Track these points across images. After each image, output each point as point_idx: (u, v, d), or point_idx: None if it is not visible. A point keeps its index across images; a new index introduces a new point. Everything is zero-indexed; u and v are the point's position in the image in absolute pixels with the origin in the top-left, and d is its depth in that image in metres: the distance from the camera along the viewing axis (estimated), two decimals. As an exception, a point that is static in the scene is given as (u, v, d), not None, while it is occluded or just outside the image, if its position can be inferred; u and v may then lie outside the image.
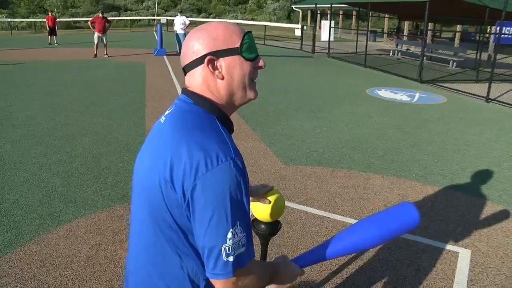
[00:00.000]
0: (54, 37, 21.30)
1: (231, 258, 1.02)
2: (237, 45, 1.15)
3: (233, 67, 1.14)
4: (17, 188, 4.31)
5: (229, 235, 1.01)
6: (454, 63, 14.88)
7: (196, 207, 1.01)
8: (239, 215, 1.03)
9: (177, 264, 1.12)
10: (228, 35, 1.15)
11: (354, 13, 24.93)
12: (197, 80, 1.16)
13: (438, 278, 2.98)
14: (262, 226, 1.73)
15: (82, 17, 37.60)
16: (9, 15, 39.57)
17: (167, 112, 1.20)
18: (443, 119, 7.52)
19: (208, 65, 1.13)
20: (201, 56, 1.14)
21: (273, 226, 1.74)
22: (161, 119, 1.21)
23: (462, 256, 3.27)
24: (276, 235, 3.13)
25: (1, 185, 4.39)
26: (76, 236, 3.43)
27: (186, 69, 1.18)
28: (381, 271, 3.04)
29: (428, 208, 4.06)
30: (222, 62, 1.14)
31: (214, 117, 1.14)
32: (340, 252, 1.39)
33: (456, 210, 4.01)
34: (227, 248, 1.01)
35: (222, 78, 1.15)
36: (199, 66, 1.15)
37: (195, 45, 1.14)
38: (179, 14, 16.95)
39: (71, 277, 2.91)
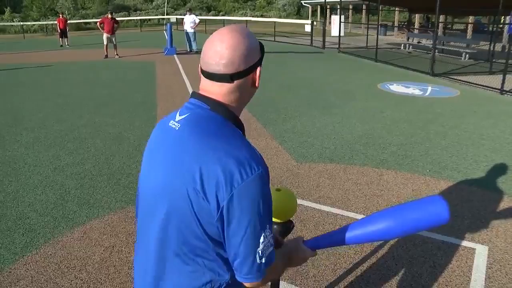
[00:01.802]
0: (65, 39, 21.48)
1: (263, 260, 1.07)
2: (260, 54, 1.18)
3: (260, 74, 1.18)
4: (32, 191, 4.36)
5: (262, 239, 1.06)
6: (467, 55, 14.68)
7: (232, 217, 1.03)
8: (269, 218, 1.09)
9: (195, 276, 1.12)
10: (256, 44, 1.17)
11: (364, 7, 24.72)
12: (229, 87, 1.13)
13: (455, 276, 2.94)
14: (275, 226, 1.72)
15: (92, 18, 37.94)
16: (22, 18, 40.04)
17: (179, 118, 1.16)
18: (457, 112, 7.41)
19: (255, 74, 1.16)
20: (255, 63, 1.15)
21: (286, 226, 1.73)
22: (172, 125, 1.16)
23: (479, 252, 3.21)
24: (289, 234, 3.09)
25: (17, 188, 4.44)
26: (90, 238, 3.46)
27: (235, 77, 1.12)
28: (396, 269, 3.01)
29: (443, 204, 4.01)
30: (258, 70, 1.17)
31: (232, 123, 1.14)
32: (358, 239, 1.35)
33: (471, 206, 3.95)
34: (260, 251, 1.06)
35: (256, 86, 1.19)
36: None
37: (246, 52, 1.12)
38: (188, 13, 16.98)
39: (86, 280, 2.93)
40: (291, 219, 1.77)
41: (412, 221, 1.29)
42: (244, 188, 1.02)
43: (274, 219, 1.71)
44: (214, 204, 1.03)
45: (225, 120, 1.13)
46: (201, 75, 1.18)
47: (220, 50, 1.10)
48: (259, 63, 1.17)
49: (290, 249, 1.38)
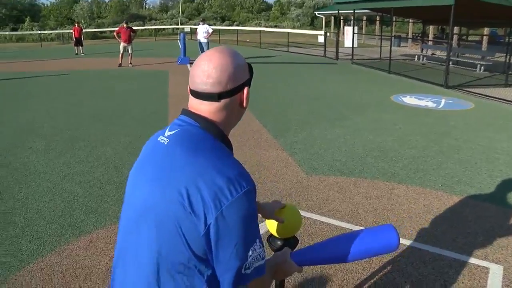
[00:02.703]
0: (81, 47, 21.81)
1: (249, 271, 1.08)
2: (248, 75, 1.22)
3: (248, 95, 1.21)
4: (40, 198, 4.37)
5: (250, 252, 1.06)
6: (482, 67, 14.51)
7: (221, 234, 1.03)
8: (257, 232, 1.10)
9: None
10: (244, 65, 1.20)
11: (378, 18, 24.67)
12: (216, 106, 1.16)
13: (467, 295, 2.85)
14: (278, 242, 1.68)
15: (107, 27, 38.48)
16: (40, 27, 40.86)
17: (168, 133, 1.18)
18: (471, 125, 7.30)
19: (243, 94, 1.18)
20: (242, 83, 1.17)
21: (290, 243, 1.68)
22: (161, 140, 1.17)
23: (493, 272, 3.11)
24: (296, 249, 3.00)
25: (26, 194, 4.46)
26: (96, 247, 3.44)
27: (222, 96, 1.14)
28: (405, 286, 2.92)
29: (455, 219, 3.91)
30: (246, 90, 1.20)
31: (221, 142, 1.16)
32: (328, 260, 1.48)
33: (485, 222, 3.85)
34: (247, 264, 1.06)
35: (244, 106, 1.21)
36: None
37: (233, 72, 1.15)
38: (201, 23, 17.09)
39: (89, 290, 2.90)
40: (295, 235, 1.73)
41: (367, 248, 1.42)
42: (233, 205, 1.02)
43: (277, 235, 1.67)
44: (202, 220, 1.02)
45: (214, 138, 1.15)
46: (190, 94, 1.20)
47: (207, 69, 1.14)
48: (247, 83, 1.20)
49: (278, 262, 1.37)
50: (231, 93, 1.15)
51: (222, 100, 1.15)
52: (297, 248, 1.62)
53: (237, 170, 1.07)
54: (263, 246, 1.11)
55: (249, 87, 1.20)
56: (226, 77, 1.13)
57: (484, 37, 19.81)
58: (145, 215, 1.11)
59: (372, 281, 2.99)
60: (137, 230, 1.13)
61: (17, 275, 3.08)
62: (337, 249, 1.44)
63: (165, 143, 1.15)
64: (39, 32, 34.67)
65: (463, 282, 2.98)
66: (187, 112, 1.20)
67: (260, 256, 1.09)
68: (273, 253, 1.60)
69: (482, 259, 3.27)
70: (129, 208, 1.19)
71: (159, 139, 1.19)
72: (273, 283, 1.65)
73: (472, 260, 3.25)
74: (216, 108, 1.15)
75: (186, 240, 1.04)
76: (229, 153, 1.16)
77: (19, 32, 37.63)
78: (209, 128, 1.15)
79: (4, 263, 3.22)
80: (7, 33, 36.78)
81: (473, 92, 10.47)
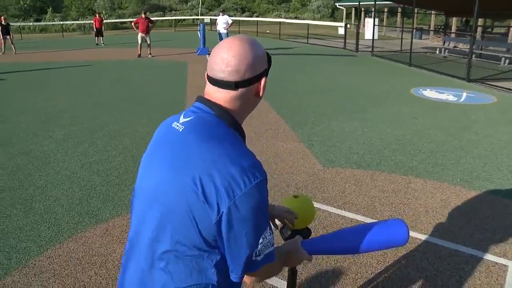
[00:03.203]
0: (101, 38, 22.04)
1: (259, 258, 1.09)
2: (267, 65, 1.21)
3: (265, 85, 1.20)
4: (59, 186, 4.45)
5: (260, 240, 1.08)
6: (507, 60, 14.14)
7: (233, 223, 1.03)
8: (267, 220, 1.12)
9: (182, 277, 1.11)
10: (263, 55, 1.19)
11: (399, 10, 24.25)
12: (233, 94, 1.15)
13: (482, 292, 2.80)
14: (291, 233, 1.68)
15: (128, 17, 38.76)
16: (62, 18, 41.43)
17: (183, 120, 1.18)
18: (492, 120, 7.14)
19: (260, 84, 1.17)
20: (260, 73, 1.17)
21: (303, 234, 1.68)
22: (176, 126, 1.18)
23: (511, 270, 3.06)
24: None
25: (45, 182, 4.55)
26: (112, 235, 3.49)
27: (240, 85, 1.14)
28: (419, 281, 2.89)
29: (473, 215, 3.85)
30: (263, 80, 1.19)
31: (235, 131, 1.15)
32: (338, 251, 1.51)
33: (504, 219, 3.78)
34: (257, 251, 1.08)
35: (260, 96, 1.20)
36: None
37: (252, 62, 1.14)
38: (221, 14, 17.07)
39: (105, 276, 2.95)
40: (308, 226, 1.72)
41: (375, 241, 1.43)
42: (246, 195, 1.03)
43: (292, 227, 1.67)
44: (215, 209, 1.03)
45: (228, 127, 1.14)
46: (207, 81, 1.19)
47: (226, 57, 1.13)
48: (264, 73, 1.19)
49: (289, 250, 1.39)
50: (248, 82, 1.14)
51: (239, 89, 1.14)
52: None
53: (251, 160, 1.08)
54: (272, 233, 1.13)
55: (267, 77, 1.19)
56: (244, 66, 1.12)
57: (510, 29, 19.29)
58: (157, 199, 1.13)
59: (386, 275, 2.97)
60: (148, 212, 1.16)
61: (36, 260, 3.15)
62: (346, 240, 1.46)
63: (180, 130, 1.15)
64: (61, 22, 35.18)
65: (479, 279, 2.93)
66: (202, 99, 1.20)
67: (270, 243, 1.11)
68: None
69: (500, 256, 3.21)
70: (141, 193, 1.21)
71: (173, 125, 1.19)
72: (286, 271, 1.66)
73: (490, 257, 3.19)
74: (233, 96, 1.15)
75: (198, 227, 1.05)
76: (242, 142, 1.16)
77: (42, 23, 38.19)
78: (225, 116, 1.15)
79: (25, 248, 3.30)
80: (31, 24, 37.42)
81: (496, 86, 10.23)
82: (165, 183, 1.11)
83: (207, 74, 1.19)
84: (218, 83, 1.15)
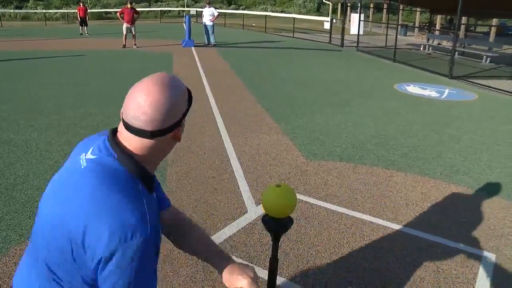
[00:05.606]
0: (85, 27, 21.73)
1: None
2: (186, 106, 1.15)
3: (183, 128, 1.16)
4: (41, 176, 4.41)
5: None
6: (488, 59, 14.41)
7: (106, 274, 1.02)
8: (142, 284, 1.06)
9: None
10: (183, 95, 1.14)
11: (385, 6, 24.41)
12: (147, 142, 1.09)
13: (458, 282, 2.88)
14: (273, 222, 1.69)
15: (113, 8, 38.22)
16: (45, 6, 40.61)
17: (89, 156, 1.13)
18: (473, 116, 7.28)
19: (178, 130, 1.13)
20: (179, 120, 1.12)
21: (284, 223, 1.69)
22: (81, 160, 1.13)
23: (485, 260, 3.15)
24: (293, 231, 3.04)
25: (27, 171, 4.50)
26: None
27: (156, 134, 1.08)
28: (397, 272, 2.96)
29: (452, 208, 3.94)
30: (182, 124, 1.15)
31: (137, 179, 1.10)
32: None
33: (480, 212, 3.88)
34: None
35: (178, 139, 1.15)
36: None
37: (170, 109, 1.08)
38: (207, 6, 16.98)
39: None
40: (290, 216, 1.74)
41: None
42: (120, 251, 1.00)
43: (273, 215, 1.69)
44: (91, 257, 1.02)
45: (128, 175, 1.09)
46: (122, 123, 1.12)
47: (143, 105, 1.05)
48: (184, 117, 1.14)
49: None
50: (165, 131, 1.09)
51: (155, 138, 1.09)
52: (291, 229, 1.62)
53: (135, 217, 1.02)
54: None
55: (185, 119, 1.14)
56: (162, 115, 1.06)
57: (492, 28, 19.61)
58: (44, 235, 1.13)
59: (366, 265, 3.03)
60: (40, 242, 1.17)
61: (16, 248, 3.13)
62: None
63: (82, 166, 1.11)
64: (44, 11, 34.49)
65: (455, 269, 3.01)
66: (111, 139, 1.13)
67: None
68: (267, 235, 1.62)
69: (476, 248, 3.30)
70: (38, 220, 1.19)
71: (81, 156, 1.14)
72: (267, 261, 1.65)
73: (466, 248, 3.28)
74: (147, 144, 1.09)
75: (78, 266, 1.06)
76: (137, 195, 1.07)
77: (23, 11, 37.40)
78: (126, 163, 1.09)
79: (6, 237, 3.28)
80: (11, 11, 36.58)
81: (477, 83, 10.41)
82: (55, 223, 1.09)
83: (122, 116, 1.11)
84: (132, 130, 1.08)
